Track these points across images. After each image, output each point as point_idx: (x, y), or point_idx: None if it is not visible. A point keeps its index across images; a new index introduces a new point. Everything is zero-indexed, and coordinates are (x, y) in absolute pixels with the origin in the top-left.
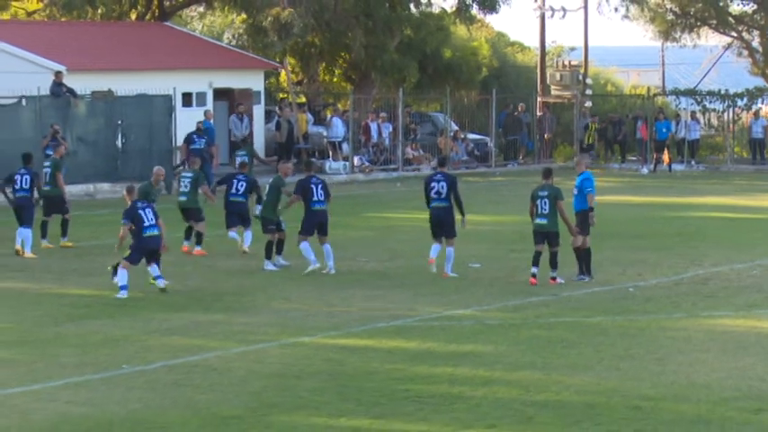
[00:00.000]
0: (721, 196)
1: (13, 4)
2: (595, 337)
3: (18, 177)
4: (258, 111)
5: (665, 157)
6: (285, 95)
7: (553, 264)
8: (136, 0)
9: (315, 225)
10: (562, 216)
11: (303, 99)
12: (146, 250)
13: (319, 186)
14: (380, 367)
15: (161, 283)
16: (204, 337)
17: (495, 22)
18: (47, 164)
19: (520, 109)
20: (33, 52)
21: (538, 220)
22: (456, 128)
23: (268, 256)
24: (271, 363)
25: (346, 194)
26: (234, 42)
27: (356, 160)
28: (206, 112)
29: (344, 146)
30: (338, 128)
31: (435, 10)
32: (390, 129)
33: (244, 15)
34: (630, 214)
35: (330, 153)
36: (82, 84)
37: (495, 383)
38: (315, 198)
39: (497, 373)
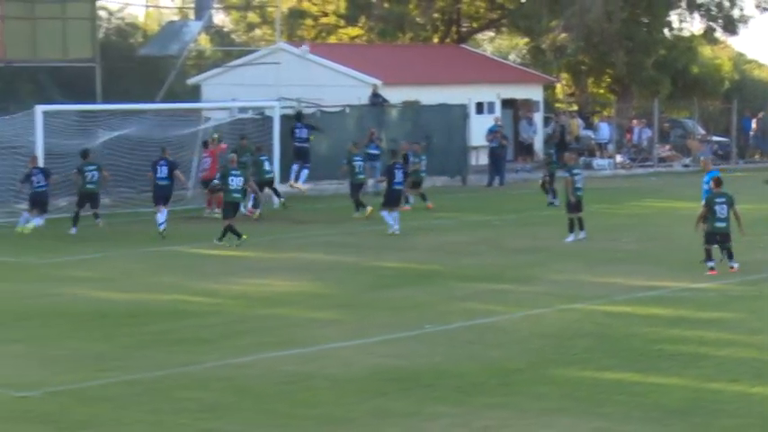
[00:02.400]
0: None
1: (339, 30)
2: None
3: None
4: (538, 117)
5: None
6: (561, 104)
7: (731, 256)
8: (437, 26)
9: (394, 199)
10: (737, 217)
11: (575, 107)
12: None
13: (400, 171)
14: (639, 330)
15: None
16: (494, 302)
17: (736, 43)
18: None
19: (759, 116)
20: (355, 69)
21: (717, 224)
22: (702, 131)
23: (571, 230)
24: (548, 325)
25: (610, 187)
26: (518, 61)
27: (618, 158)
28: (495, 119)
29: (609, 146)
30: (604, 131)
31: (685, 33)
32: (649, 133)
33: (526, 39)
34: None
35: (597, 152)
36: (394, 95)
37: (736, 345)
38: (396, 180)
39: (738, 337)
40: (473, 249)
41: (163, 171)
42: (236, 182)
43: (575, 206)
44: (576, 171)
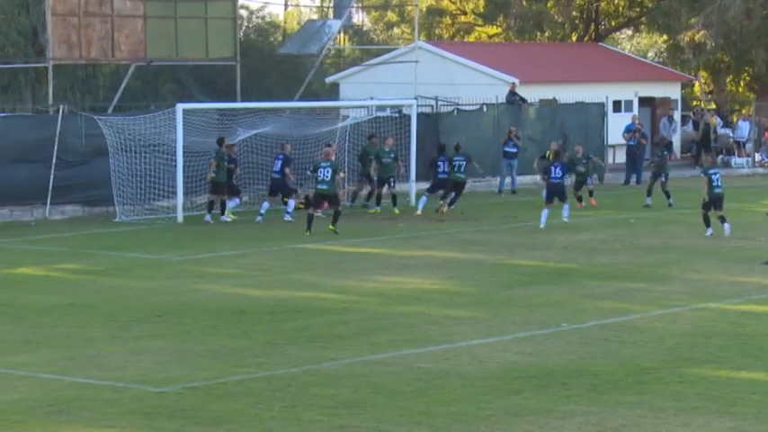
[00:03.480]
0: None
1: (477, 28)
2: None
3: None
4: (675, 116)
5: None
6: (698, 103)
7: None
8: (576, 25)
9: (553, 194)
10: None
11: (713, 106)
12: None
13: (558, 168)
14: None
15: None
16: (629, 301)
17: None
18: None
19: None
20: (492, 67)
21: None
22: None
23: (707, 224)
24: (683, 324)
25: (748, 185)
26: (656, 59)
27: (757, 157)
28: (633, 117)
29: (748, 145)
30: (743, 129)
31: None
32: None
33: (665, 37)
34: None
35: (735, 151)
36: (531, 93)
37: None
38: (553, 174)
39: None
40: (608, 247)
41: (277, 165)
42: (323, 174)
43: (712, 204)
44: (712, 171)
